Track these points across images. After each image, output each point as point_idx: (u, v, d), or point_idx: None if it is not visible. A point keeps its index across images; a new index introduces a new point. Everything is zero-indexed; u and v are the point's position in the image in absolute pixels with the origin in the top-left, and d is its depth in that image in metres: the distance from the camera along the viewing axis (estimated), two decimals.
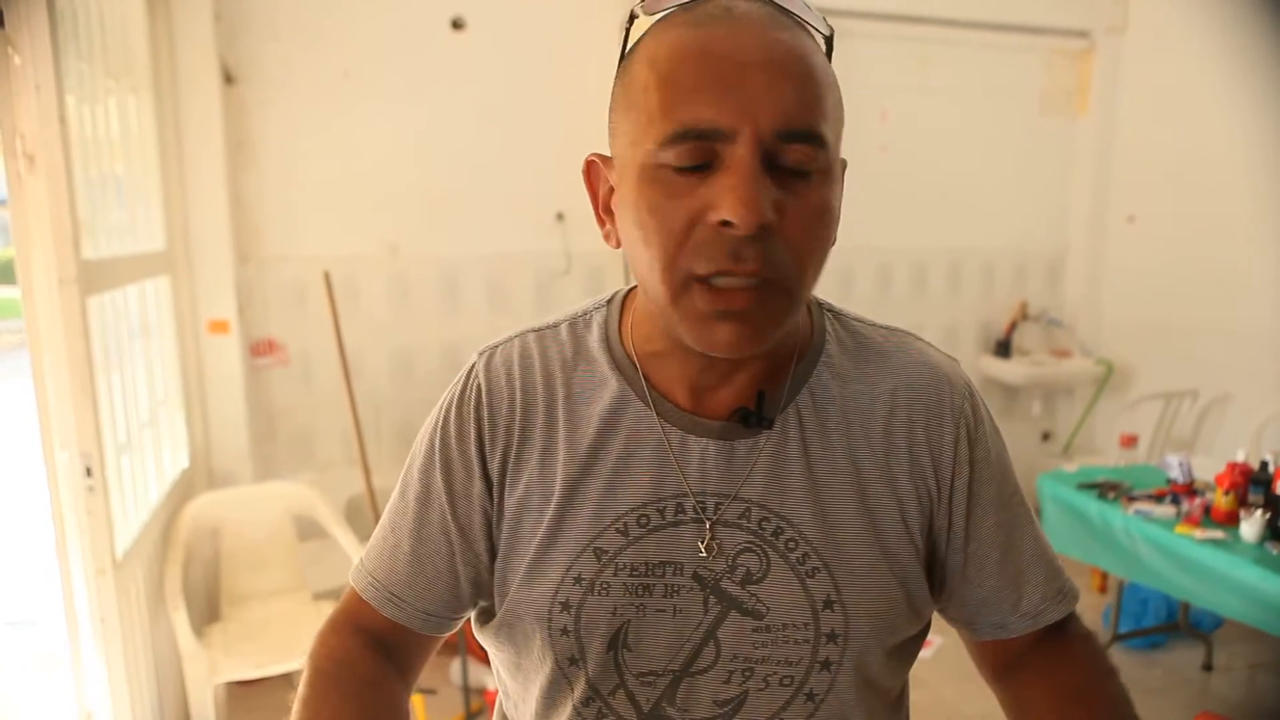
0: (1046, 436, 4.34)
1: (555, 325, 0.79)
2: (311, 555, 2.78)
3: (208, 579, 2.75)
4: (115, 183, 2.38)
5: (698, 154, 0.61)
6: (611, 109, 0.69)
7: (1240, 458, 2.53)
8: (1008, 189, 4.09)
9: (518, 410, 0.75)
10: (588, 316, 0.79)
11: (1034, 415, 4.27)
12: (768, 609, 0.71)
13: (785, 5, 0.65)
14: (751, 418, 0.71)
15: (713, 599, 0.71)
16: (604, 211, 0.72)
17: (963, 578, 0.78)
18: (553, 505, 0.73)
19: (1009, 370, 4.03)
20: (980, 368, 4.14)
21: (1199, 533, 2.35)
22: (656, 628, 0.71)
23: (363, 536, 2.62)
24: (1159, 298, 3.96)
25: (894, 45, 3.76)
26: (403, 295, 3.26)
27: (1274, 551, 2.24)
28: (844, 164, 0.69)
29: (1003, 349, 4.09)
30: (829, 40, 0.67)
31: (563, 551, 0.72)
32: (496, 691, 0.86)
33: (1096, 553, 2.67)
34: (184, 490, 2.69)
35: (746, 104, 0.60)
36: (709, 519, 0.71)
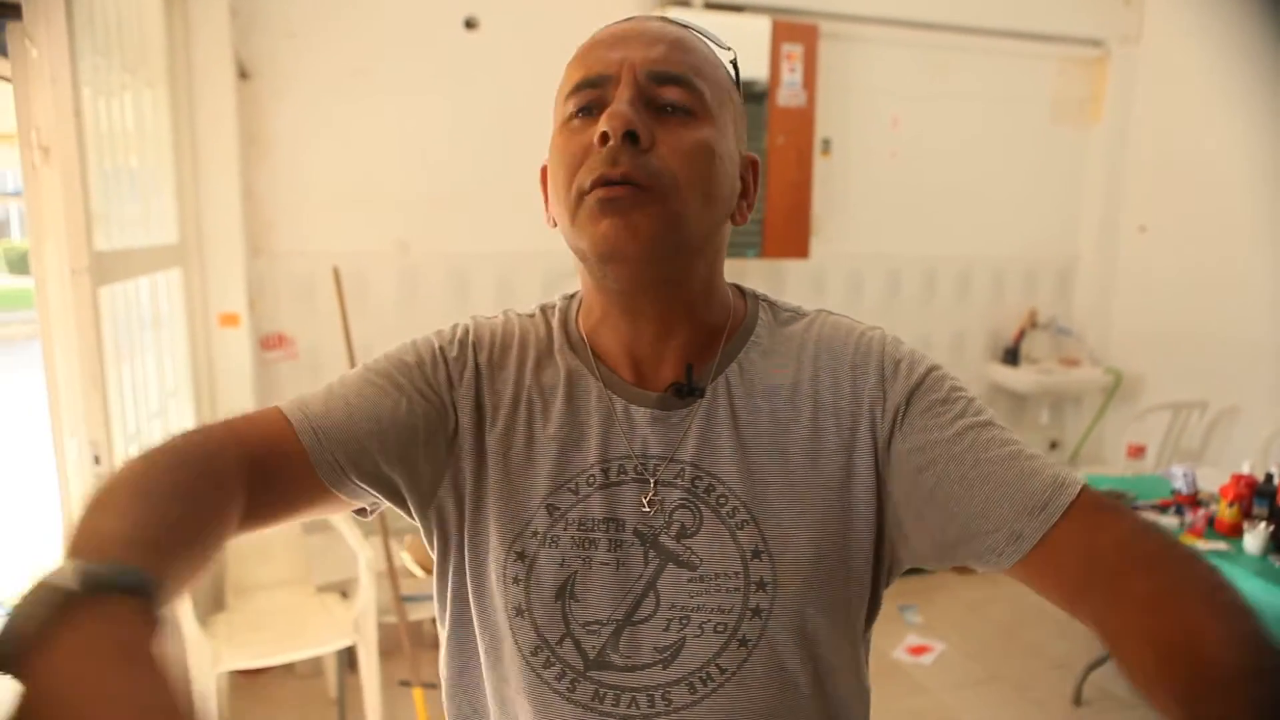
0: (1054, 445, 4.32)
1: (532, 313, 0.89)
2: (316, 548, 2.80)
3: (213, 569, 2.77)
4: (129, 176, 2.41)
5: (589, 101, 0.74)
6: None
7: (1246, 470, 2.52)
8: (1018, 197, 4.09)
9: (496, 355, 0.84)
10: (554, 306, 0.89)
11: (1042, 424, 4.26)
12: (701, 560, 0.77)
13: (684, 24, 0.79)
14: (684, 389, 0.79)
15: (652, 552, 0.77)
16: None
17: (935, 508, 0.73)
18: (513, 463, 0.80)
19: (1017, 378, 4.02)
20: (988, 375, 4.13)
21: (1202, 544, 2.34)
22: (601, 580, 0.77)
23: (367, 531, 2.64)
24: (1169, 308, 3.95)
25: (905, 51, 3.77)
26: (412, 291, 3.28)
27: (1277, 564, 2.23)
28: (755, 161, 0.83)
29: (1011, 357, 4.08)
30: (734, 64, 0.80)
31: (521, 505, 0.79)
32: None
33: None
34: None
35: (625, 55, 0.74)
36: (652, 478, 0.78)
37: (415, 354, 0.82)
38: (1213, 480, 2.76)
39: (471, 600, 0.82)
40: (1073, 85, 4.08)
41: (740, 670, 0.75)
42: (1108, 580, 0.64)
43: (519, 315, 0.88)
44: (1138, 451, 3.56)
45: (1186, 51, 3.79)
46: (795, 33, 3.47)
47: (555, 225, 0.81)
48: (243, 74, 2.94)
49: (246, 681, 2.75)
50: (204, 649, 2.36)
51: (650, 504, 0.78)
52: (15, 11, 1.93)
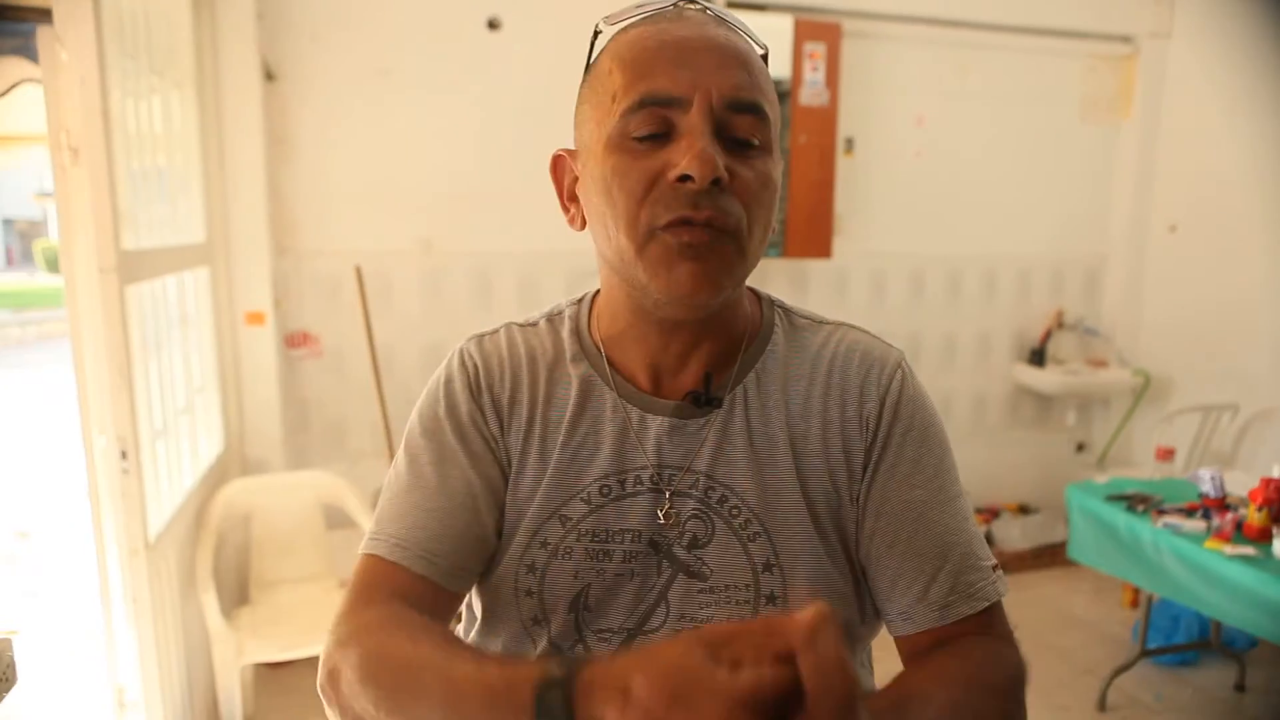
0: (1081, 447, 4.27)
1: (535, 321, 0.87)
2: (339, 544, 2.83)
3: (239, 563, 2.81)
4: (157, 176, 2.45)
5: (655, 121, 0.70)
6: (578, 106, 0.79)
7: (1277, 473, 2.47)
8: (1046, 195, 4.03)
9: (507, 385, 0.82)
10: (562, 313, 0.87)
11: (1068, 425, 4.21)
12: (712, 571, 0.77)
13: (725, 18, 0.75)
14: (701, 398, 0.79)
15: (665, 563, 0.77)
16: (569, 199, 0.81)
17: (869, 555, 0.78)
18: (528, 474, 0.80)
19: (1043, 379, 3.97)
20: (1013, 376, 4.08)
21: (1229, 549, 2.30)
22: (615, 590, 0.77)
23: None
24: (1200, 308, 3.88)
25: (930, 49, 3.73)
26: (435, 291, 3.30)
27: None
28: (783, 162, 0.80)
29: (1037, 358, 4.03)
30: (764, 57, 0.77)
31: (532, 517, 0.78)
32: None
33: (1124, 566, 2.63)
34: (218, 476, 2.76)
35: (698, 78, 0.70)
36: (668, 489, 0.78)
37: (450, 418, 0.80)
38: (1243, 485, 2.71)
39: (485, 610, 0.82)
40: (1102, 82, 4.02)
41: None
42: (931, 673, 0.72)
43: (520, 328, 0.86)
44: (1167, 454, 3.50)
45: (1218, 47, 3.72)
46: (818, 31, 3.45)
47: (581, 226, 0.79)
48: (269, 75, 2.98)
49: (271, 674, 2.78)
50: (229, 642, 2.40)
51: (666, 515, 0.77)
52: (46, 16, 1.97)
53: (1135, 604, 3.40)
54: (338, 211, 3.16)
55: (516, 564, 0.78)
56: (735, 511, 0.77)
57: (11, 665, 0.88)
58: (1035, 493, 4.11)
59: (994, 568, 0.78)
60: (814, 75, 3.47)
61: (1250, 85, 3.46)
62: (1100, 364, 4.11)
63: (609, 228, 0.73)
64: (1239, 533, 2.41)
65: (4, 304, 14.83)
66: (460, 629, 0.87)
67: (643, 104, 0.70)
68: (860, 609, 0.80)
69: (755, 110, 0.71)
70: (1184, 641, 3.03)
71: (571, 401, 0.80)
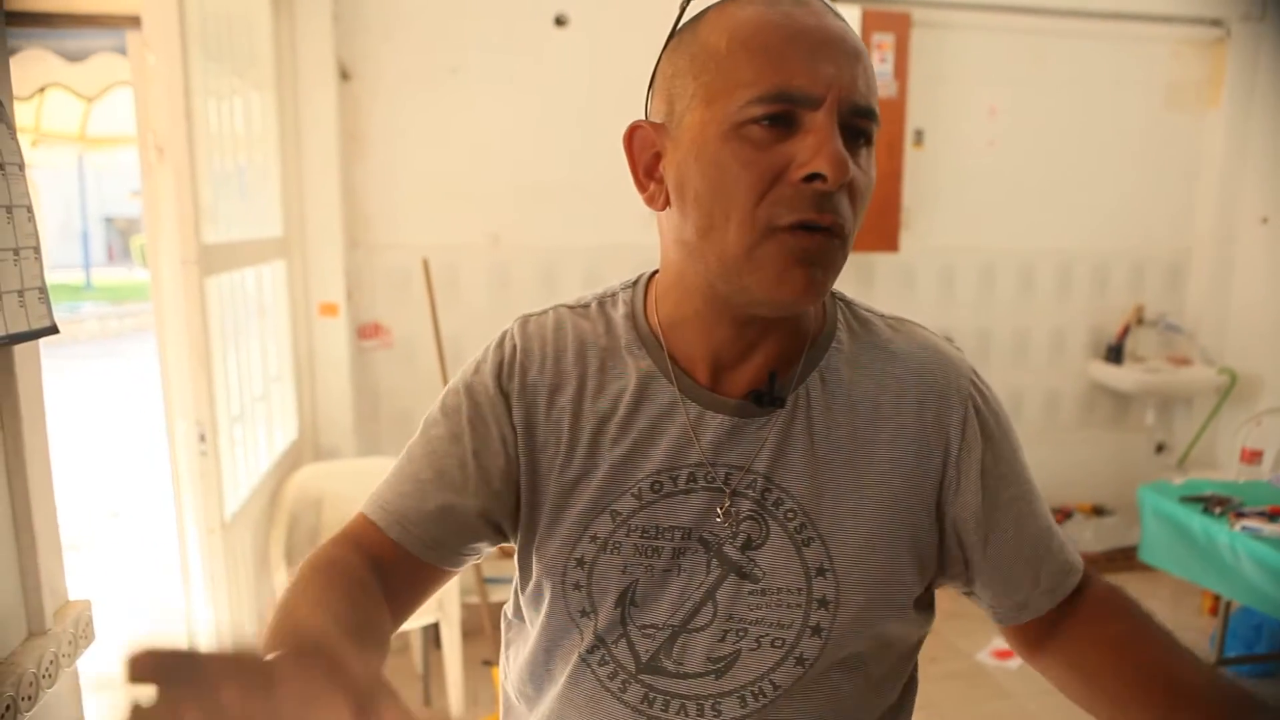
0: (1161, 448, 4.11)
1: (587, 304, 0.85)
2: None
3: (310, 545, 2.92)
4: (238, 173, 2.57)
5: (783, 115, 0.67)
6: (667, 76, 0.74)
7: None
8: (1126, 186, 3.89)
9: (548, 372, 0.80)
10: (615, 296, 0.84)
11: (1147, 425, 4.06)
12: (764, 573, 0.75)
13: (831, 7, 0.72)
14: (764, 397, 0.76)
15: (714, 562, 0.76)
16: (646, 176, 0.76)
17: (982, 554, 0.80)
18: (575, 466, 0.78)
19: (1120, 377, 3.84)
20: (1089, 373, 3.96)
21: None
22: (662, 586, 0.76)
23: None
24: None
25: (1004, 37, 3.64)
26: (503, 283, 3.37)
27: None
28: None
29: (1114, 355, 3.90)
30: None
31: (582, 511, 0.78)
32: None
33: (1199, 570, 2.54)
34: (292, 461, 2.88)
35: (833, 76, 0.67)
36: (727, 488, 0.76)
37: (469, 398, 0.81)
38: None
39: (526, 599, 0.83)
40: (1188, 68, 3.86)
41: (794, 687, 0.74)
42: (1080, 629, 0.81)
43: (570, 311, 0.84)
44: (1253, 456, 3.34)
45: None
46: (886, 21, 3.40)
47: (663, 206, 0.75)
48: (344, 75, 3.08)
49: None
50: None
51: (725, 514, 0.76)
52: (135, 22, 2.09)
53: (1215, 611, 3.27)
54: (409, 206, 3.25)
55: (566, 558, 0.77)
56: (790, 515, 0.76)
57: (90, 624, 0.95)
58: (1111, 494, 3.98)
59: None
60: (882, 66, 3.42)
61: None
62: (1183, 362, 3.95)
63: (714, 218, 0.69)
64: None
65: (105, 297, 15.63)
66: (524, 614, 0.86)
67: (778, 98, 0.66)
68: (917, 613, 0.79)
69: (873, 115, 0.70)
70: (1266, 651, 2.91)
71: (629, 395, 0.78)
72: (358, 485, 2.85)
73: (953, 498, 0.78)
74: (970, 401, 0.79)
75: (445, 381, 3.12)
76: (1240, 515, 2.45)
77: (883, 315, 0.85)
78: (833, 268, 0.70)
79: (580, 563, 0.77)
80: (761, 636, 0.75)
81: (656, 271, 0.83)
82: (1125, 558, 3.67)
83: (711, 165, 0.68)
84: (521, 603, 0.85)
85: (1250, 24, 3.78)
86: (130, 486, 5.41)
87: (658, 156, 0.75)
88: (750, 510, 0.76)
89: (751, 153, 0.67)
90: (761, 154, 0.67)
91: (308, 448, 3.08)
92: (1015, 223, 3.81)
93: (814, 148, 0.65)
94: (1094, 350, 3.98)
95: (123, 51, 2.42)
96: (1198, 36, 3.81)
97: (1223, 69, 3.84)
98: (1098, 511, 3.94)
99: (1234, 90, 3.82)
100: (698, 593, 0.76)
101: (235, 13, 2.48)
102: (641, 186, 0.76)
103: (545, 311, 0.84)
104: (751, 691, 0.74)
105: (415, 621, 2.64)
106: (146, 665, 0.43)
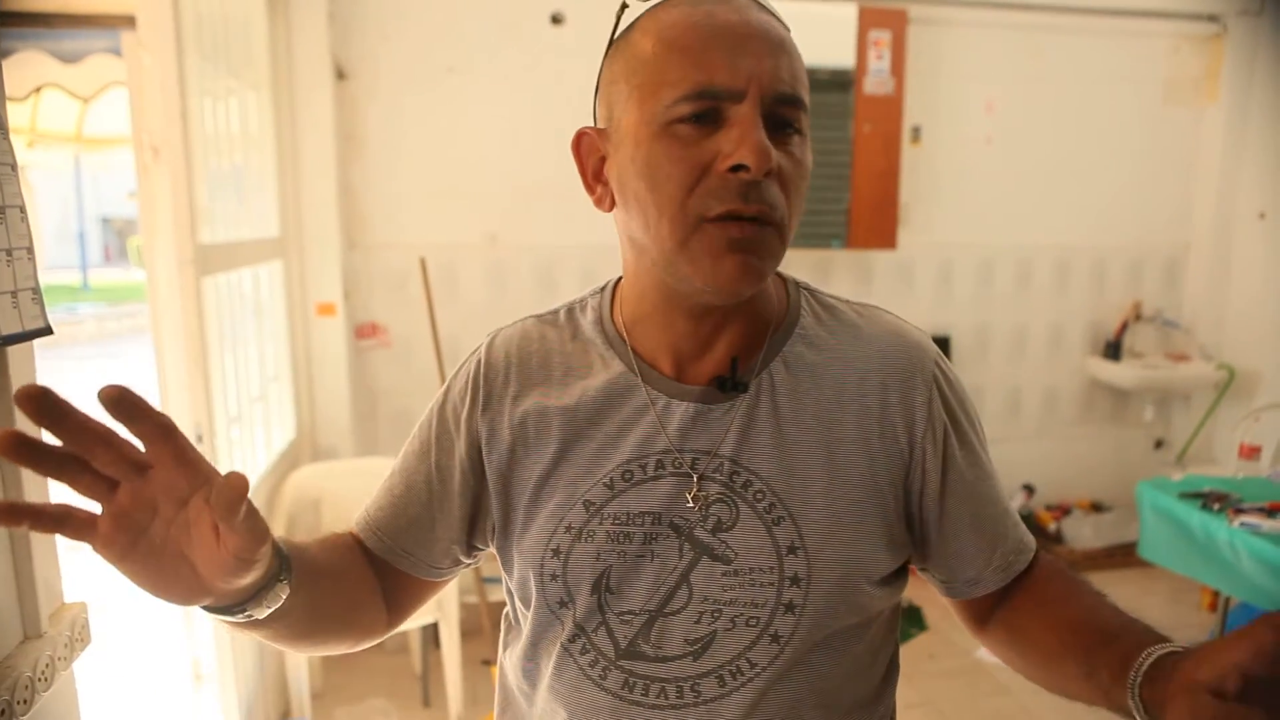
0: (1159, 444, 4.12)
1: (555, 311, 0.89)
2: None
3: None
4: (234, 173, 2.56)
5: (707, 111, 0.70)
6: (607, 84, 0.78)
7: None
8: (1124, 182, 3.89)
9: (513, 381, 0.84)
10: (583, 302, 0.89)
11: (1146, 421, 4.06)
12: (736, 554, 0.77)
13: (767, 5, 0.75)
14: (727, 384, 0.79)
15: (686, 546, 0.78)
16: (594, 179, 0.80)
17: (939, 532, 0.82)
18: (546, 464, 0.81)
19: (1118, 373, 3.84)
20: (1087, 369, 3.96)
21: None
22: (636, 572, 0.78)
23: None
24: None
25: (1001, 33, 3.64)
26: (500, 283, 3.37)
27: None
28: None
29: (1112, 351, 3.90)
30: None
31: (557, 504, 0.80)
32: None
33: (1197, 566, 2.54)
34: (290, 461, 2.88)
35: (753, 69, 0.69)
36: (696, 473, 0.78)
37: (439, 415, 0.87)
38: None
39: (517, 597, 0.85)
40: (1186, 64, 3.86)
41: (771, 665, 0.76)
42: (1020, 599, 0.84)
43: (539, 320, 0.88)
44: (1251, 452, 3.34)
45: None
46: (883, 18, 3.40)
47: (610, 208, 0.78)
48: (340, 75, 3.08)
49: (338, 655, 2.89)
50: None
51: (695, 499, 0.78)
52: (130, 22, 2.08)
53: (1214, 607, 3.27)
54: (406, 205, 3.25)
55: (543, 550, 0.80)
56: (760, 495, 0.78)
57: (85, 627, 0.95)
58: (1109, 490, 3.98)
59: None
60: (879, 64, 3.42)
61: None
62: (1181, 358, 3.95)
63: (648, 214, 0.72)
64: None
65: (102, 298, 15.62)
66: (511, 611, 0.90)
67: (700, 95, 0.69)
68: (887, 586, 0.81)
69: (799, 103, 0.72)
70: None
71: (596, 392, 0.81)
72: (356, 485, 2.86)
73: (916, 477, 0.80)
74: (935, 383, 0.81)
75: (443, 381, 3.11)
76: (1239, 511, 2.45)
77: (848, 301, 0.87)
78: (769, 253, 0.72)
79: (556, 553, 0.79)
80: (736, 616, 0.76)
81: (621, 278, 0.87)
82: (1124, 554, 3.67)
83: (645, 164, 0.71)
84: (515, 602, 0.88)
85: (1248, 19, 3.78)
86: None
87: (603, 160, 0.78)
88: (719, 494, 0.78)
89: (680, 149, 0.70)
90: (690, 150, 0.70)
91: (306, 448, 3.07)
92: (1013, 219, 3.81)
93: (737, 139, 0.68)
94: (1092, 346, 3.98)
95: (118, 52, 2.41)
96: (1195, 32, 3.81)
97: (1220, 64, 3.84)
98: (1096, 508, 3.94)
99: (1231, 85, 3.83)
100: (672, 577, 0.78)
101: (230, 13, 2.47)
102: (590, 189, 0.80)
103: (514, 325, 0.89)
104: (729, 671, 0.76)
105: (414, 621, 2.64)
106: (119, 399, 0.58)
